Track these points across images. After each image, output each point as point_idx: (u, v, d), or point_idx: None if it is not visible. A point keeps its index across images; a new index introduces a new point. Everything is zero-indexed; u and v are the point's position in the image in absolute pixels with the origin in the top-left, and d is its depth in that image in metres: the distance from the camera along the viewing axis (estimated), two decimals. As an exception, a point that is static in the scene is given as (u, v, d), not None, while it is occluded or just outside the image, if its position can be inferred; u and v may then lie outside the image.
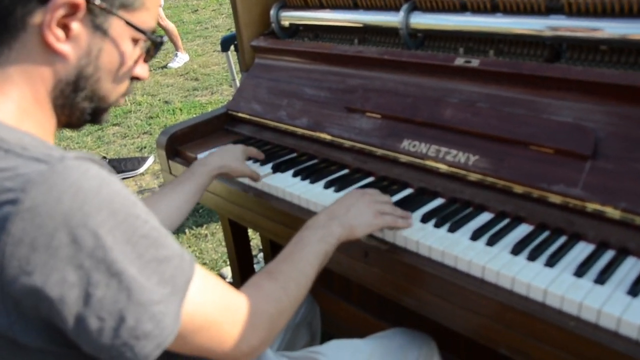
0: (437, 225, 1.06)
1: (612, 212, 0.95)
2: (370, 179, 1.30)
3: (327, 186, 1.28)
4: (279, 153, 1.50)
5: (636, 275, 0.86)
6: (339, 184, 1.27)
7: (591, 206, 0.97)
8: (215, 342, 0.69)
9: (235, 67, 3.08)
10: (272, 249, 2.03)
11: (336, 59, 1.50)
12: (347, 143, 1.38)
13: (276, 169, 1.39)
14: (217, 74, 5.29)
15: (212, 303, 0.68)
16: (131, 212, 0.60)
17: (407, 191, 1.22)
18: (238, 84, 3.04)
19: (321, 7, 1.61)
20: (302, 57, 1.61)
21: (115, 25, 0.71)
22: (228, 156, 1.26)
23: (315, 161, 1.43)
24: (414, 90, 1.30)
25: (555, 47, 1.18)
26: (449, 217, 1.08)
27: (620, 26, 1.04)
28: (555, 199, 1.02)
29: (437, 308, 1.00)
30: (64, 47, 0.68)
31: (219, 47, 6.14)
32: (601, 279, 0.86)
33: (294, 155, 1.48)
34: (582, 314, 0.82)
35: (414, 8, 1.37)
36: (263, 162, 1.44)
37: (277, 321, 0.79)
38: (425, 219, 1.08)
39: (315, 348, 1.09)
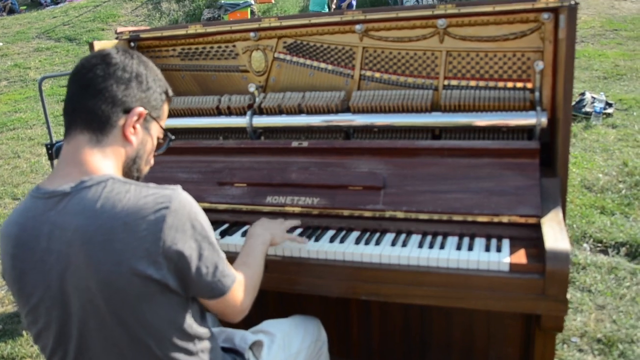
0: (308, 239, 1.75)
1: (399, 214, 1.76)
2: (247, 227, 1.92)
3: (222, 235, 1.86)
4: (168, 222, 2.02)
5: (418, 240, 1.67)
6: (228, 233, 1.87)
7: (388, 214, 1.77)
8: (236, 299, 1.26)
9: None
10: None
11: (201, 151, 2.11)
12: (223, 206, 1.98)
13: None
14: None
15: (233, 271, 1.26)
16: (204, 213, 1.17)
17: (277, 228, 1.88)
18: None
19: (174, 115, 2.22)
20: (169, 152, 2.17)
21: (153, 127, 1.27)
22: None
23: (200, 223, 1.99)
24: (266, 165, 2.00)
25: (347, 132, 2.01)
26: (312, 235, 1.78)
27: (383, 117, 1.92)
28: (368, 214, 1.80)
29: (320, 286, 1.68)
30: (133, 138, 1.21)
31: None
32: (394, 244, 1.64)
33: (181, 222, 2.02)
34: (391, 261, 1.60)
35: (254, 113, 2.09)
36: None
37: (255, 292, 1.37)
38: (298, 238, 1.76)
39: (255, 327, 1.65)
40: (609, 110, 5.85)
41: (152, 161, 1.32)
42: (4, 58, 10.77)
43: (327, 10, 10.64)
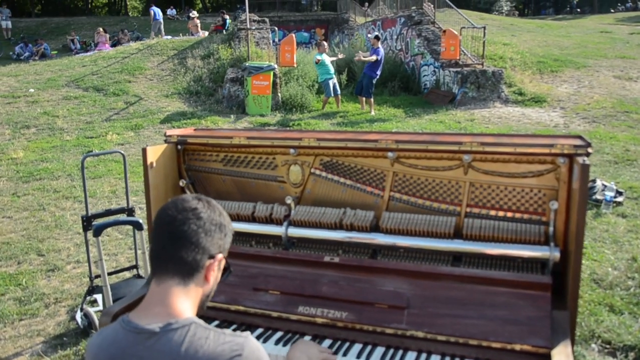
0: (336, 353, 1.90)
1: (420, 334, 1.91)
2: (280, 333, 2.08)
3: (256, 340, 2.02)
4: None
5: (438, 364, 1.82)
6: (261, 340, 2.03)
7: (409, 332, 1.93)
8: None
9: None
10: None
11: (239, 256, 2.30)
12: (258, 312, 2.15)
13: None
14: (19, 242, 5.36)
15: None
16: None
17: (307, 337, 2.04)
18: (105, 266, 3.51)
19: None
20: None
21: (222, 264, 1.46)
22: None
23: (234, 326, 2.15)
24: (299, 275, 2.17)
25: (375, 250, 2.19)
26: (340, 348, 1.93)
27: (409, 240, 2.10)
28: (391, 331, 1.96)
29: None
30: (211, 278, 1.40)
31: (6, 213, 6.19)
32: (425, 368, 1.80)
33: (217, 322, 2.19)
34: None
35: (290, 224, 2.29)
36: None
37: None
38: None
39: None
40: (619, 199, 6.01)
41: None
42: (34, 105, 11.19)
43: (331, 69, 11.01)
